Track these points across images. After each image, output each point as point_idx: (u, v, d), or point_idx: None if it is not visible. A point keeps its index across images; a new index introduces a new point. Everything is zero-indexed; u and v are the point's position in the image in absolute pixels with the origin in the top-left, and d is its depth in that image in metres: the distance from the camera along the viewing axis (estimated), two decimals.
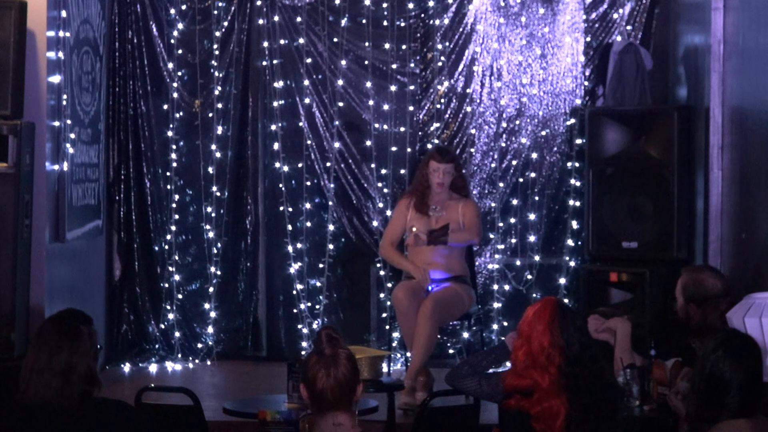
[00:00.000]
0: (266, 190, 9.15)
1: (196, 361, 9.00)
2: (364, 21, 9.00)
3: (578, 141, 8.74)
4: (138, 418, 4.27)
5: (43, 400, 4.13)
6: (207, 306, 9.09)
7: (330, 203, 9.04)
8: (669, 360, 5.49)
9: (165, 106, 9.07)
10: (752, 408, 3.94)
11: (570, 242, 8.84)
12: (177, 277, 9.04)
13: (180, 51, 9.06)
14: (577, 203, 8.77)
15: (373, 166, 8.98)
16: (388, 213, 8.86)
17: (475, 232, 7.68)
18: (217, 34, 9.03)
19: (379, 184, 8.97)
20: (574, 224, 8.81)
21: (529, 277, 8.90)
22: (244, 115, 9.11)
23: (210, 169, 9.06)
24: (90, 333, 4.24)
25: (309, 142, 9.04)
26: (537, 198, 8.88)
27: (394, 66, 8.98)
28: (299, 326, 9.03)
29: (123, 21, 8.94)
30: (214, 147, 9.06)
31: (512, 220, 8.92)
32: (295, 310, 9.05)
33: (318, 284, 9.05)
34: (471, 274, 7.93)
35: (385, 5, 8.97)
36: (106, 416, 4.18)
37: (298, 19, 9.02)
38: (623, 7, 8.77)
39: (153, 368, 8.85)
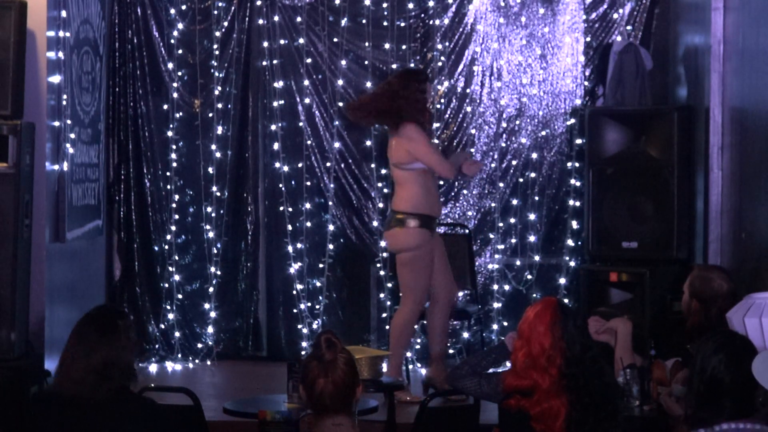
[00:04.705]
0: (266, 190, 9.15)
1: (196, 361, 9.00)
2: (364, 21, 9.00)
3: (578, 141, 8.74)
4: (162, 419, 4.38)
5: (80, 394, 4.22)
6: (207, 306, 9.09)
7: (330, 203, 9.04)
8: (669, 360, 5.50)
9: (165, 106, 9.07)
10: (750, 408, 3.94)
11: (570, 242, 8.84)
12: (177, 277, 9.04)
13: (180, 51, 9.07)
14: (577, 203, 8.77)
15: (373, 166, 8.98)
16: (389, 213, 8.88)
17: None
18: (217, 34, 9.03)
19: (379, 184, 8.97)
20: (574, 224, 8.81)
21: (529, 277, 8.90)
22: (244, 115, 9.11)
23: (210, 169, 9.06)
24: (127, 327, 4.37)
25: (309, 142, 9.04)
26: (537, 198, 8.88)
27: (394, 66, 8.97)
28: (299, 326, 9.03)
29: (123, 21, 8.94)
30: (214, 147, 9.06)
31: (512, 220, 8.92)
32: (295, 310, 9.05)
33: (318, 284, 9.05)
34: (471, 273, 7.94)
35: (385, 5, 8.97)
36: (139, 412, 4.26)
37: (298, 19, 9.02)
38: (623, 7, 8.77)
39: (153, 368, 8.85)
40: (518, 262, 8.93)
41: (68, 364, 4.28)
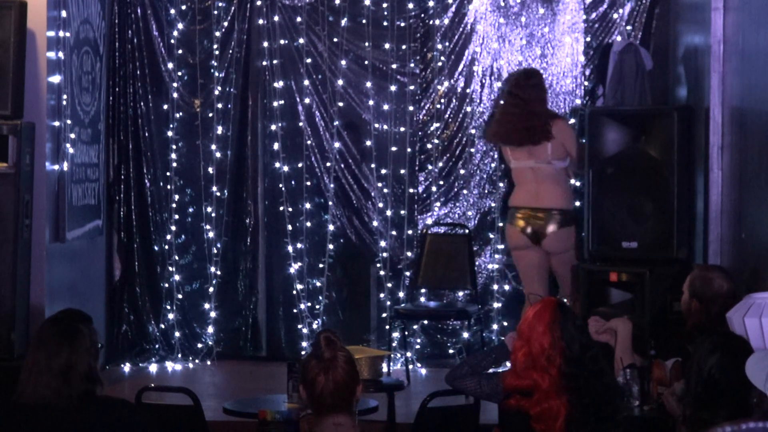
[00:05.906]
0: (266, 190, 9.16)
1: (196, 361, 9.00)
2: (364, 21, 9.00)
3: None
4: (139, 417, 4.28)
5: (43, 401, 4.13)
6: (207, 306, 9.09)
7: (330, 203, 9.04)
8: (669, 360, 5.49)
9: (165, 106, 9.07)
10: (749, 409, 3.94)
11: None
12: (177, 277, 9.04)
13: (180, 51, 9.07)
14: (577, 203, 8.76)
15: (373, 166, 8.98)
16: (389, 213, 8.89)
17: None
18: (217, 34, 9.03)
19: (379, 184, 8.97)
20: None
21: None
22: (244, 115, 9.12)
23: (210, 169, 9.06)
24: (89, 332, 4.24)
25: (309, 142, 9.04)
26: None
27: (394, 66, 8.98)
28: (299, 326, 9.03)
29: (123, 21, 8.94)
30: (214, 147, 9.07)
31: None
32: (295, 310, 9.05)
33: (318, 284, 9.05)
34: (471, 273, 7.94)
35: (385, 5, 8.97)
36: (107, 415, 4.18)
37: (298, 19, 9.02)
38: (623, 7, 8.77)
39: (153, 368, 8.86)
40: None
41: (30, 370, 4.14)
